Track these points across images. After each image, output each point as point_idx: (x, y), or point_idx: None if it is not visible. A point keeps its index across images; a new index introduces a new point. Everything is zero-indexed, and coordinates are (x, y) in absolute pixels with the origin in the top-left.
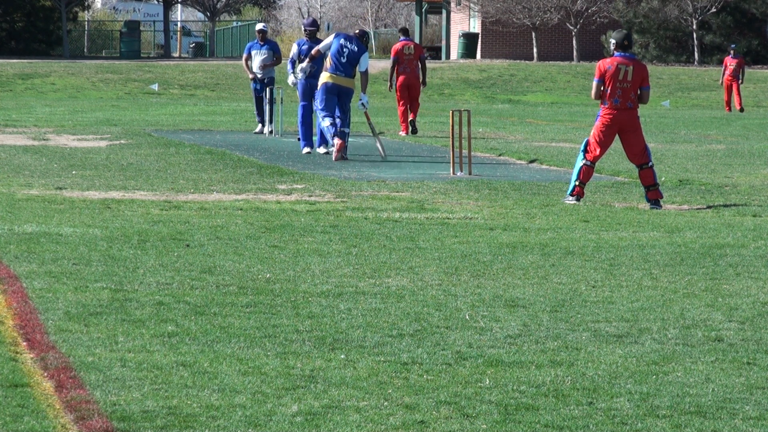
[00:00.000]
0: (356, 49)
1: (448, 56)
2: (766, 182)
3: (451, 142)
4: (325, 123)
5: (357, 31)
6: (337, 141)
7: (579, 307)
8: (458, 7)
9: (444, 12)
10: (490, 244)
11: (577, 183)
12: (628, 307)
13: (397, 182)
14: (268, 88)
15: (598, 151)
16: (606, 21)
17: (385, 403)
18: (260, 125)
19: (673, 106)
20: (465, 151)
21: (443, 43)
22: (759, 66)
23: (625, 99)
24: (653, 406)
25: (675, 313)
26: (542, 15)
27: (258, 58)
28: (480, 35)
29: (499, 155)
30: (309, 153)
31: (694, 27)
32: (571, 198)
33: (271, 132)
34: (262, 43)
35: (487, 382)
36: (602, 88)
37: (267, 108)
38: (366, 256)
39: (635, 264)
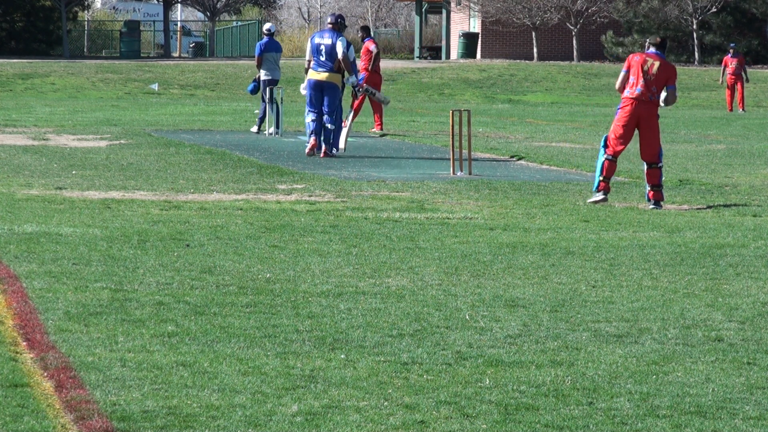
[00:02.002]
0: (330, 41)
1: (448, 56)
2: (766, 182)
3: (451, 142)
4: (308, 118)
5: (330, 21)
6: (312, 140)
7: (579, 307)
8: (458, 6)
9: (444, 12)
10: (490, 244)
11: (601, 179)
12: (628, 307)
13: (397, 182)
14: (269, 89)
15: (618, 145)
16: (606, 21)
17: (385, 403)
18: (256, 127)
19: (673, 106)
20: (465, 151)
21: (443, 43)
22: (759, 66)
23: (646, 90)
24: (653, 406)
25: (675, 313)
26: (542, 15)
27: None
28: (480, 35)
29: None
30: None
31: (694, 27)
32: (598, 194)
33: (271, 133)
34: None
35: (487, 382)
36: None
37: (267, 108)
38: (366, 256)
39: (635, 264)
